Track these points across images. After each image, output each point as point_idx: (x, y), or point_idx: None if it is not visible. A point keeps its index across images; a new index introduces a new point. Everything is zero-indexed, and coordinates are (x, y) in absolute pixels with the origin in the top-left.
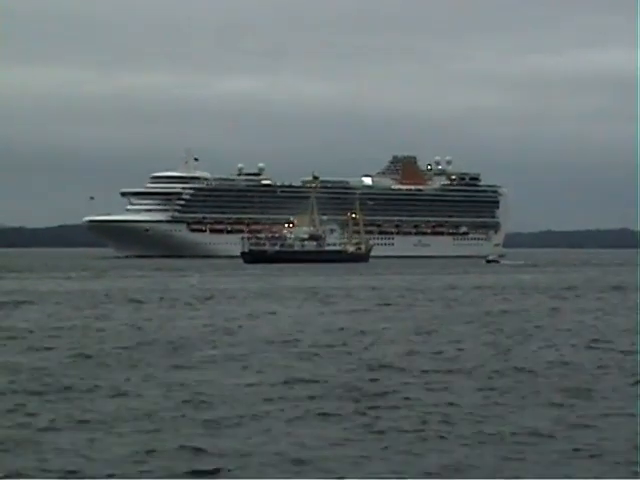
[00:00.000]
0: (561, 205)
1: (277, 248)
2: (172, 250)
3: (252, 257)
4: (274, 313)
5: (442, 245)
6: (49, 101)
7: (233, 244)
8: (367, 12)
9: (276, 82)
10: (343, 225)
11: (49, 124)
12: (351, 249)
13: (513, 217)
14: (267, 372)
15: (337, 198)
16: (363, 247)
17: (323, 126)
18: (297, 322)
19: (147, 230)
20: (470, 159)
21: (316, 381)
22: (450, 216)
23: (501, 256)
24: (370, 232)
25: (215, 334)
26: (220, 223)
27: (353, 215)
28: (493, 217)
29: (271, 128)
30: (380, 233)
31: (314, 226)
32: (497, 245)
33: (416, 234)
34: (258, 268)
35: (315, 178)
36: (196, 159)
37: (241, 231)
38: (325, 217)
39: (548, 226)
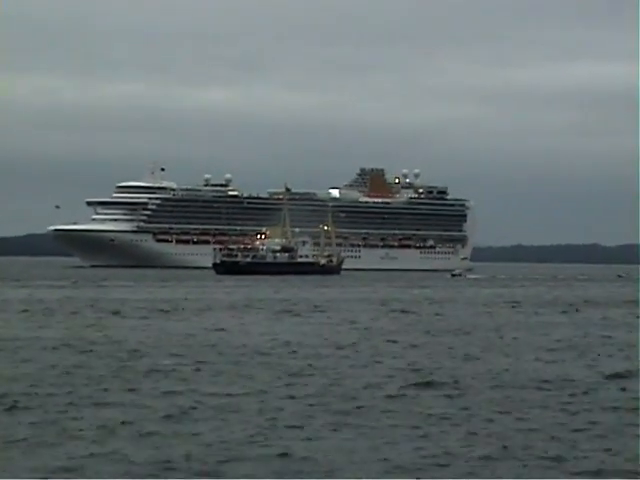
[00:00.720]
0: (532, 220)
1: (249, 260)
2: (138, 260)
3: (224, 268)
4: (249, 324)
5: (409, 258)
6: (20, 108)
7: (199, 255)
8: (338, 25)
9: (245, 93)
10: (315, 237)
11: (20, 131)
12: (323, 261)
13: (484, 231)
14: (244, 384)
15: (307, 210)
16: (335, 259)
17: (291, 138)
18: (272, 334)
19: (112, 240)
20: (439, 172)
21: (291, 396)
22: (417, 229)
23: (468, 270)
24: (338, 244)
25: (193, 345)
26: (186, 234)
27: (325, 227)
28: (460, 231)
29: (239, 139)
30: (347, 246)
31: (286, 238)
32: (464, 259)
33: (383, 247)
34: (231, 279)
35: (287, 190)
36: (163, 169)
37: (207, 242)
38: (297, 229)
39: (518, 240)
